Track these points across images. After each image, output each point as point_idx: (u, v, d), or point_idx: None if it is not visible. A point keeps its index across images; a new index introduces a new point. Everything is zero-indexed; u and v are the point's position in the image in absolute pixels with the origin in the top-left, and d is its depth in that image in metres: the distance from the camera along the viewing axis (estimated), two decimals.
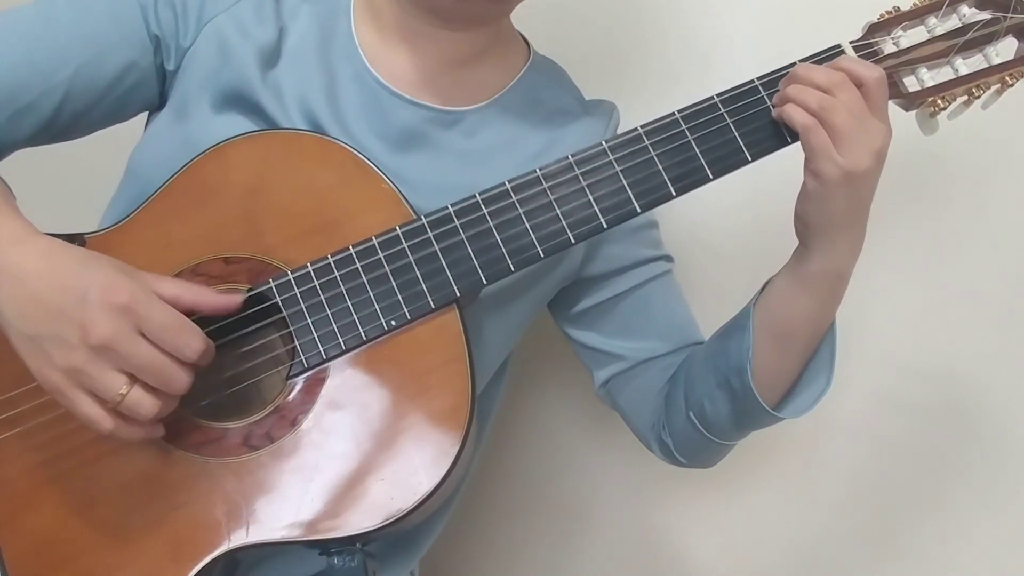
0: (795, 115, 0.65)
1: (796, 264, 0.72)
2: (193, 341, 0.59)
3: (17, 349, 0.59)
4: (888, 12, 0.70)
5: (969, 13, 0.68)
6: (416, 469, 0.64)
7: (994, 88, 0.70)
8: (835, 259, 0.69)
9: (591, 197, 0.68)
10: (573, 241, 0.68)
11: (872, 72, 0.65)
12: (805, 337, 0.73)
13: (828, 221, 0.68)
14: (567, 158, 0.68)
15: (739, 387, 0.74)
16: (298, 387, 0.66)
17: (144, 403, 0.58)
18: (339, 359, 0.66)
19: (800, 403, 0.74)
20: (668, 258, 0.86)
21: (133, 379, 0.58)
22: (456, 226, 0.67)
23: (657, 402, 0.84)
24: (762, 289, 0.75)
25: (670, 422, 0.83)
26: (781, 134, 0.68)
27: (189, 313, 0.61)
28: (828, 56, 0.69)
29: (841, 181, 0.65)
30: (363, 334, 0.66)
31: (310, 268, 0.66)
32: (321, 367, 0.66)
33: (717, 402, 0.76)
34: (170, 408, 0.61)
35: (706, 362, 0.79)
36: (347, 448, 0.64)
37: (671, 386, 0.83)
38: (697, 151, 0.68)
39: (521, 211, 0.67)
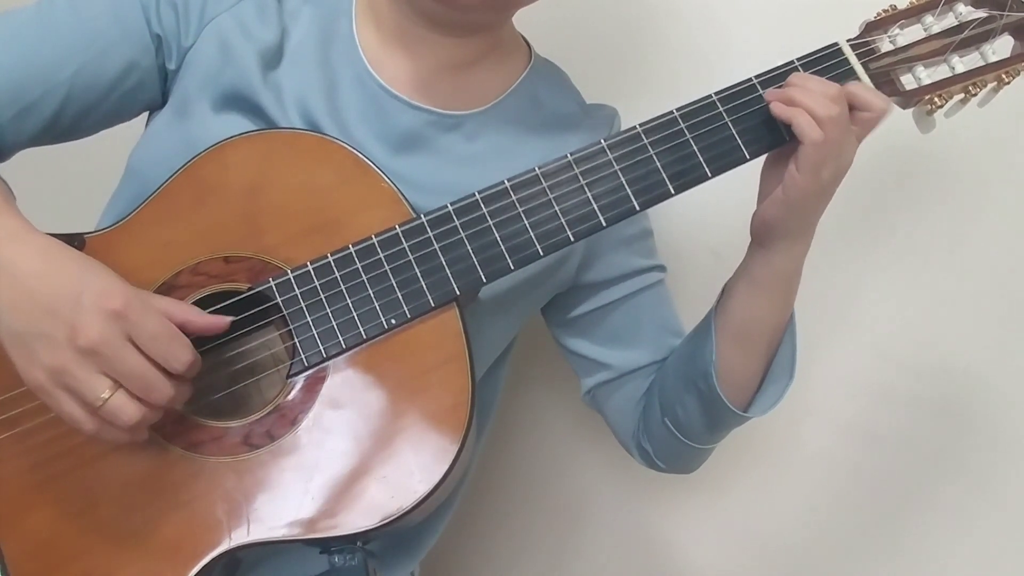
0: (807, 129, 0.65)
1: (753, 267, 0.73)
2: (182, 353, 0.59)
3: (4, 345, 0.59)
4: (885, 11, 0.70)
5: (965, 11, 0.69)
6: (416, 467, 0.64)
7: (991, 86, 0.70)
8: (793, 259, 0.72)
9: (590, 195, 0.68)
10: (572, 240, 0.68)
11: (885, 105, 0.67)
12: (767, 336, 0.74)
13: (798, 226, 0.70)
14: (566, 157, 0.68)
15: (706, 391, 0.75)
16: (298, 386, 0.66)
17: (126, 409, 0.58)
18: (339, 358, 0.66)
19: (765, 401, 0.76)
20: (661, 268, 0.87)
21: (117, 384, 0.58)
22: (455, 225, 0.67)
23: (637, 411, 0.86)
24: (721, 294, 0.77)
25: (648, 429, 0.84)
26: (779, 132, 0.68)
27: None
28: (825, 55, 0.69)
29: (822, 192, 0.68)
30: (363, 333, 0.66)
31: (310, 267, 0.66)
32: (321, 366, 0.66)
33: (688, 407, 0.78)
34: (154, 418, 0.60)
35: (675, 370, 0.81)
36: (347, 446, 0.64)
37: (647, 394, 0.84)
38: (695, 149, 0.68)
39: (520, 210, 0.68)
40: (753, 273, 0.73)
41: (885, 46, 0.70)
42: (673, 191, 0.68)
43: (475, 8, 0.70)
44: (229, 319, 0.64)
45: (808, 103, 0.65)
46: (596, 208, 0.68)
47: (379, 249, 0.67)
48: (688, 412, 0.78)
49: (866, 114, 0.67)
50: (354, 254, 0.67)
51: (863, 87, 0.68)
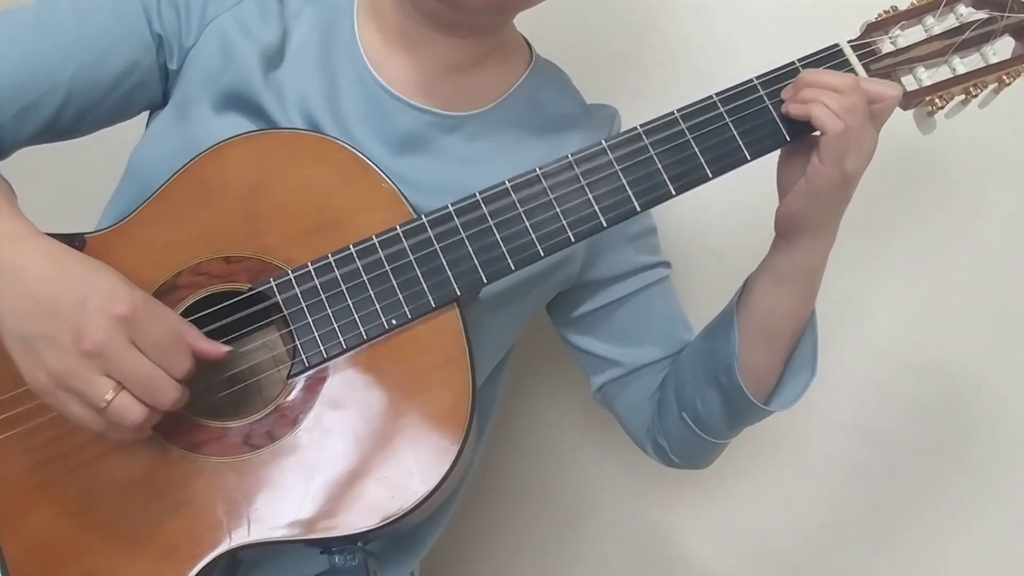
0: (826, 120, 0.65)
1: (777, 261, 0.73)
2: (183, 360, 0.60)
3: (8, 347, 0.59)
4: (886, 12, 0.70)
5: (966, 12, 0.69)
6: (417, 468, 0.64)
7: (991, 87, 0.70)
8: (817, 253, 0.72)
9: (591, 196, 0.68)
10: (573, 240, 0.68)
11: (895, 91, 0.67)
12: (789, 330, 0.74)
13: (822, 218, 0.70)
14: (567, 157, 0.68)
15: (728, 385, 0.75)
16: (299, 386, 0.66)
17: (131, 409, 0.58)
18: (340, 358, 0.66)
19: (788, 395, 0.76)
20: (666, 264, 0.87)
21: (120, 386, 0.58)
22: (456, 225, 0.67)
23: (651, 406, 0.85)
24: (743, 288, 0.76)
25: (664, 425, 0.84)
26: (780, 133, 0.68)
27: None
28: (826, 56, 0.69)
29: (847, 182, 0.67)
30: (363, 333, 0.66)
31: (310, 267, 0.66)
32: (322, 366, 0.66)
33: (709, 401, 0.77)
34: (157, 417, 0.60)
35: (694, 363, 0.80)
36: (348, 447, 0.64)
37: (662, 390, 0.84)
38: (696, 150, 0.68)
39: (521, 210, 0.67)
40: (777, 267, 0.73)
41: (886, 47, 0.70)
42: (674, 192, 0.68)
43: (479, 10, 0.70)
44: (227, 348, 0.64)
45: (823, 96, 0.65)
46: (597, 209, 0.68)
47: (379, 249, 0.67)
48: (709, 407, 0.78)
49: (878, 105, 0.66)
50: (354, 254, 0.66)
51: (870, 80, 0.68)
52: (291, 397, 0.66)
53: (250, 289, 0.66)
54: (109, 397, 0.57)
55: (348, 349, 0.66)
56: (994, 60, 0.69)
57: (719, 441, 0.81)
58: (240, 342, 0.68)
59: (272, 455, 0.65)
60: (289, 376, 0.66)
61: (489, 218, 0.67)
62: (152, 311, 0.59)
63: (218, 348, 0.63)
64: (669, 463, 0.86)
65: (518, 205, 0.67)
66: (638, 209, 0.68)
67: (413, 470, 0.64)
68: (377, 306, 0.66)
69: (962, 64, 0.69)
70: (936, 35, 0.69)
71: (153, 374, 0.58)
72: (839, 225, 0.71)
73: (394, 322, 0.66)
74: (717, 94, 0.69)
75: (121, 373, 0.58)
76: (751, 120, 0.68)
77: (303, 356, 0.66)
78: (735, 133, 0.68)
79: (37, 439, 0.65)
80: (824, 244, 0.72)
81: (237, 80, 0.73)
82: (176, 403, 0.60)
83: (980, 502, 1.01)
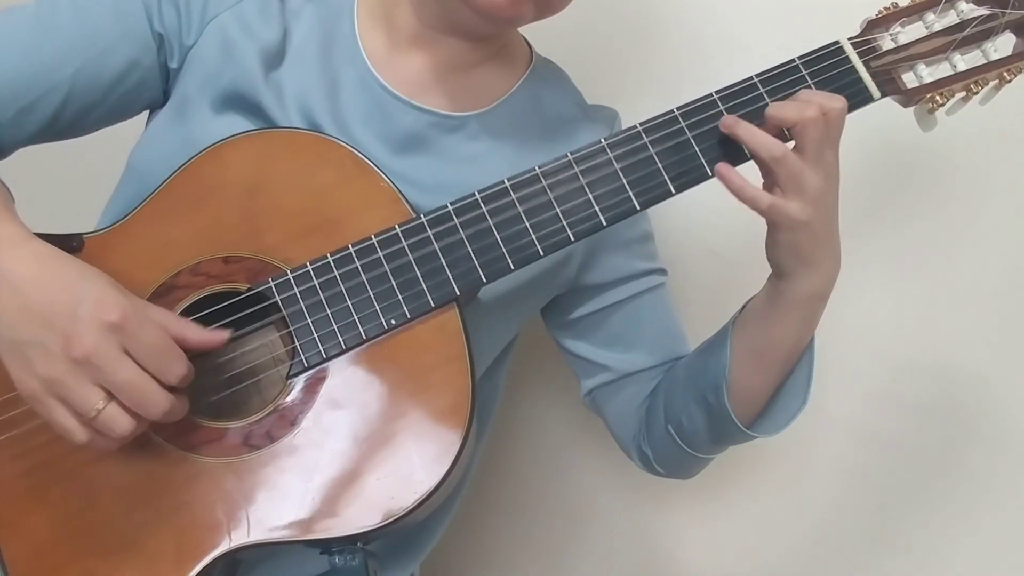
0: (766, 203, 0.65)
1: (775, 288, 0.71)
2: (176, 366, 0.59)
3: (0, 352, 0.59)
4: (886, 8, 0.70)
5: (967, 9, 0.69)
6: (417, 467, 0.64)
7: (992, 84, 0.70)
8: (816, 283, 0.69)
9: (590, 195, 0.68)
10: (573, 239, 0.68)
11: (836, 103, 0.65)
12: (783, 357, 0.72)
13: (804, 256, 0.67)
14: (566, 156, 0.68)
15: (715, 404, 0.74)
16: (298, 386, 0.66)
17: (119, 420, 0.58)
18: (339, 358, 0.66)
19: (774, 422, 0.74)
20: (662, 271, 0.86)
21: (111, 396, 0.58)
22: (455, 224, 0.67)
23: (639, 414, 0.85)
24: (742, 308, 0.75)
25: (650, 434, 0.83)
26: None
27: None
28: (827, 53, 0.69)
29: (806, 226, 0.66)
30: (363, 333, 0.66)
31: (309, 267, 0.66)
32: (321, 366, 0.66)
33: (694, 417, 0.77)
34: (144, 428, 0.60)
35: (685, 378, 0.80)
36: (348, 447, 0.64)
37: (652, 399, 0.84)
38: (696, 148, 0.68)
39: (520, 209, 0.67)
40: (773, 294, 0.71)
41: (887, 44, 0.69)
42: (674, 190, 0.68)
43: (523, 19, 0.70)
44: (226, 334, 0.63)
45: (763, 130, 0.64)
46: (597, 208, 0.68)
47: (378, 249, 0.66)
48: (694, 423, 0.77)
49: (825, 115, 0.64)
50: (353, 254, 0.66)
51: (812, 93, 0.66)
52: (290, 397, 0.66)
53: (249, 289, 0.66)
54: (100, 406, 0.57)
55: (347, 349, 0.66)
56: (995, 57, 0.69)
57: (703, 456, 0.80)
58: (239, 342, 0.68)
59: (272, 456, 0.64)
60: (288, 376, 0.66)
61: (488, 217, 0.67)
62: (144, 317, 0.59)
63: (217, 335, 0.62)
64: (653, 471, 0.86)
65: (517, 204, 0.67)
66: (638, 208, 0.68)
67: (413, 470, 0.64)
68: (376, 306, 0.66)
69: (963, 61, 0.69)
70: (937, 32, 0.69)
71: (143, 383, 0.58)
72: (837, 248, 0.69)
73: (393, 322, 0.66)
74: (717, 92, 0.69)
75: (111, 382, 0.57)
76: (751, 118, 0.68)
77: (302, 356, 0.66)
78: None
79: (35, 441, 0.65)
80: (823, 272, 0.69)
81: (237, 79, 0.73)
82: (167, 414, 0.59)
83: (983, 504, 1.01)
